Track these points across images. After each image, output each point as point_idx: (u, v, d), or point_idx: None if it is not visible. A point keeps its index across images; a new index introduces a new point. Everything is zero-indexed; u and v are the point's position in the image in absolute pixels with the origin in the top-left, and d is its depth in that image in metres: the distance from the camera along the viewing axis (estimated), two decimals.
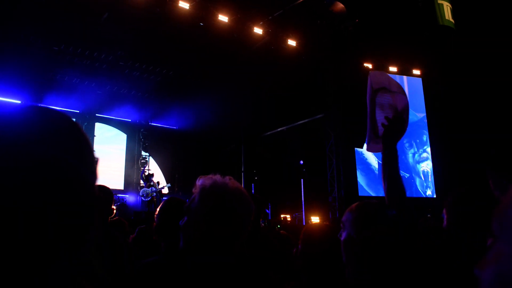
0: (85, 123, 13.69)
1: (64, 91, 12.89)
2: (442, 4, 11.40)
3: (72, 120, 0.72)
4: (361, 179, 13.14)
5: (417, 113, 13.92)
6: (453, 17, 11.48)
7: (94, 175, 0.71)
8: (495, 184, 1.58)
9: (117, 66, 12.86)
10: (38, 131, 0.65)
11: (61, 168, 0.64)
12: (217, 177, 1.35)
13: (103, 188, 2.80)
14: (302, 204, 11.55)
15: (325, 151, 12.68)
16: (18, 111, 0.67)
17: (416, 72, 14.25)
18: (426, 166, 13.76)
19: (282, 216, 12.09)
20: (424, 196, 13.47)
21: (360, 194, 12.80)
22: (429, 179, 13.67)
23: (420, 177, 13.66)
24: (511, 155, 1.57)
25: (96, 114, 14.35)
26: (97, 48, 12.01)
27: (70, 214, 0.64)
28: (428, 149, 13.92)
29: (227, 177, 1.35)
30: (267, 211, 11.70)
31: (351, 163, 12.97)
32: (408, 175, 13.37)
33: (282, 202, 12.26)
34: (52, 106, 12.30)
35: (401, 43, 12.28)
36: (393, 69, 13.95)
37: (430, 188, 13.63)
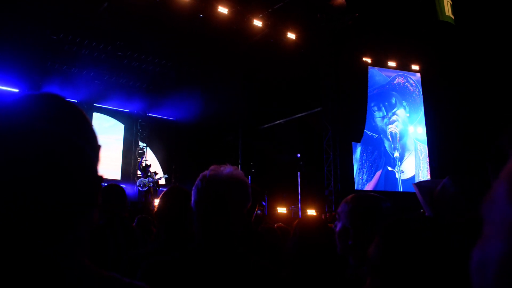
0: None
1: (62, 81, 12.80)
2: (442, 0, 11.40)
3: (77, 106, 0.73)
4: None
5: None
6: (453, 13, 11.48)
7: (97, 158, 0.72)
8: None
9: (116, 56, 12.81)
10: (44, 115, 0.66)
11: (67, 152, 0.65)
12: (221, 167, 1.36)
13: (117, 187, 2.83)
14: (298, 197, 11.58)
15: (322, 144, 12.70)
16: (23, 99, 0.68)
17: (415, 67, 14.24)
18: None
19: (278, 208, 12.12)
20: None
21: (356, 187, 12.87)
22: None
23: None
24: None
25: (94, 104, 14.28)
26: (96, 37, 11.95)
27: (76, 195, 0.65)
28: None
29: (233, 167, 1.37)
30: (264, 203, 11.71)
31: (348, 157, 13.01)
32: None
33: (279, 195, 12.26)
34: None
35: (400, 38, 12.28)
36: (392, 64, 13.95)
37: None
